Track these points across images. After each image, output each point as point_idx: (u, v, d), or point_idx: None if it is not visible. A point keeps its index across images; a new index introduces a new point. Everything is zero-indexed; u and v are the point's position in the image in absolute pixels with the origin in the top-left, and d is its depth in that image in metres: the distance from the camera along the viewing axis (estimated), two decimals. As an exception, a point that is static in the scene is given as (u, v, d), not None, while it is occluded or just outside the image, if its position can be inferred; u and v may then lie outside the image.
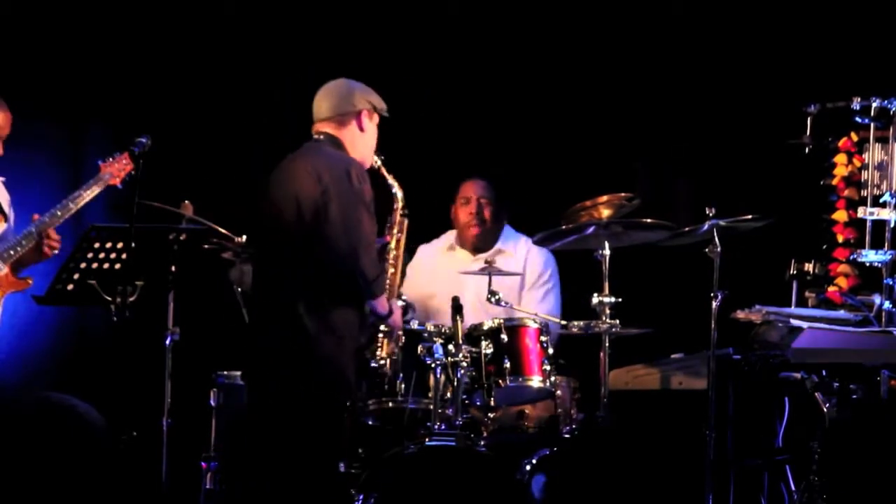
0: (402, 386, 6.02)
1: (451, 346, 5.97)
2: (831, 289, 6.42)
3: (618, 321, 6.22)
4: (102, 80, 7.24)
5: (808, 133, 6.50)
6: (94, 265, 5.90)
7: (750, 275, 6.62)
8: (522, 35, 7.45)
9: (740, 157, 7.17)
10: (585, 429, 6.23)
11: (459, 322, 6.04)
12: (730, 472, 6.29)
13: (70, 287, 5.93)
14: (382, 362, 5.92)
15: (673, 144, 7.34)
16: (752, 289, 6.33)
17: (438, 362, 5.92)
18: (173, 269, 6.08)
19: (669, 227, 6.25)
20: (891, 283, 6.26)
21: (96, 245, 5.89)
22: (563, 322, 6.47)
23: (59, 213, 5.97)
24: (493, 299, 6.29)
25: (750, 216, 6.18)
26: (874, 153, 6.47)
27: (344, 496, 5.68)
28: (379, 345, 5.91)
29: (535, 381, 6.15)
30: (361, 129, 5.60)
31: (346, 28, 7.44)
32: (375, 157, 5.73)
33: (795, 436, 6.31)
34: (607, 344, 6.21)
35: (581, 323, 6.35)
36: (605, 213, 6.32)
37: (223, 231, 6.17)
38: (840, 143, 6.53)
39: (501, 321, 6.19)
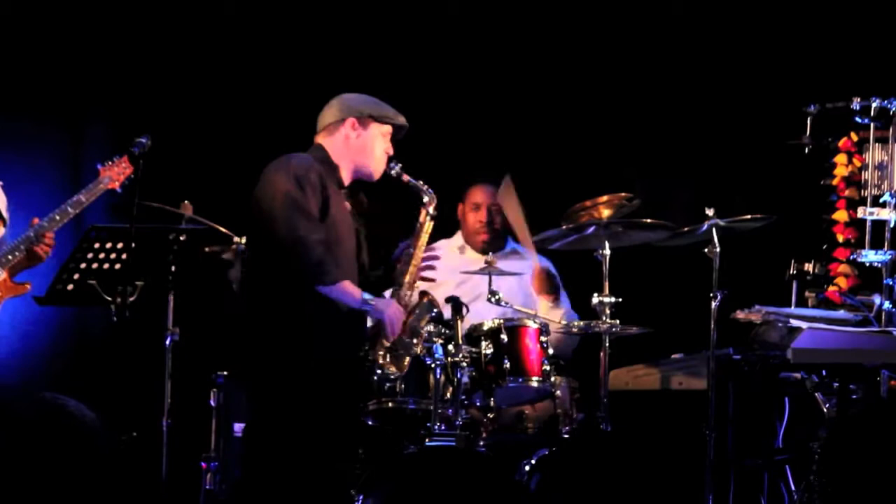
0: (402, 386, 6.02)
1: (451, 346, 5.97)
2: (831, 289, 6.42)
3: (618, 321, 6.22)
4: (102, 81, 7.24)
5: (808, 133, 6.50)
6: (94, 265, 5.90)
7: (750, 275, 6.62)
8: (523, 34, 7.45)
9: (740, 157, 7.17)
10: (585, 429, 6.23)
11: (459, 322, 6.04)
12: (730, 472, 6.29)
13: (70, 287, 5.93)
14: (383, 371, 5.85)
15: (673, 144, 7.34)
16: (752, 289, 6.33)
17: (438, 362, 5.92)
18: (173, 269, 6.07)
19: (669, 227, 6.25)
20: (891, 283, 6.26)
21: (96, 245, 5.89)
22: (564, 322, 6.48)
23: (57, 218, 5.96)
24: (493, 299, 6.29)
25: (750, 216, 6.18)
26: (874, 153, 6.47)
27: (344, 496, 5.67)
28: (379, 352, 5.86)
29: (535, 382, 6.15)
30: (349, 138, 5.66)
31: (347, 28, 7.44)
32: (393, 165, 5.75)
33: (795, 436, 6.31)
34: (607, 344, 6.22)
35: (581, 323, 6.36)
36: (605, 213, 6.33)
37: (223, 230, 6.18)
38: (840, 143, 6.53)
39: (501, 321, 6.19)
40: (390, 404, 6.03)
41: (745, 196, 6.68)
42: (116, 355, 6.08)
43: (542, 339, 6.20)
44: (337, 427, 5.51)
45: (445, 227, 6.93)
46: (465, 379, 5.97)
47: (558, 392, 6.22)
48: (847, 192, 6.53)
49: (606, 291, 6.22)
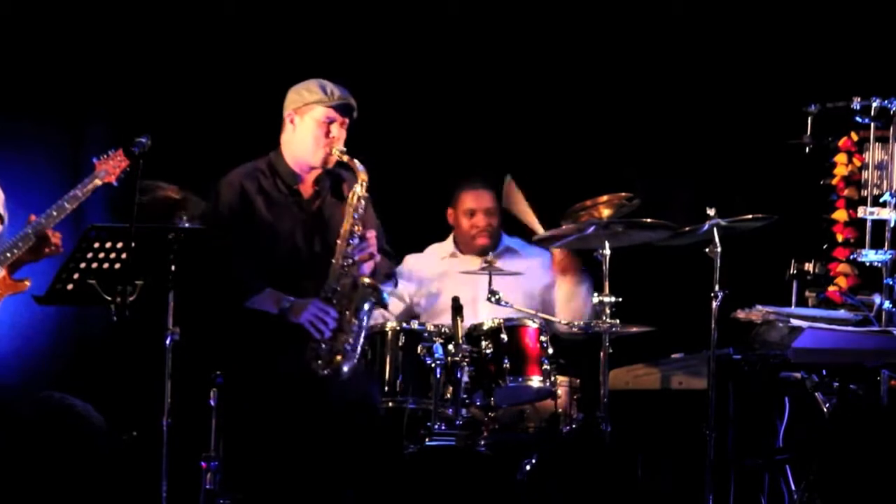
0: (402, 386, 6.02)
1: (451, 346, 5.97)
2: (831, 288, 6.42)
3: (618, 321, 6.22)
4: (102, 81, 7.23)
5: (808, 133, 6.50)
6: (94, 265, 5.88)
7: (750, 275, 6.62)
8: (522, 34, 7.45)
9: (740, 157, 7.16)
10: (585, 429, 6.23)
11: (459, 322, 6.04)
12: (730, 472, 6.29)
13: (70, 287, 5.91)
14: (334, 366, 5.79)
15: (673, 144, 7.34)
16: (752, 289, 6.32)
17: (438, 362, 5.92)
18: (173, 269, 6.07)
19: (669, 227, 6.25)
20: (891, 283, 6.27)
21: (96, 245, 5.87)
22: (564, 321, 6.48)
23: (55, 214, 5.96)
24: (493, 299, 6.29)
25: (750, 216, 6.18)
26: (874, 153, 6.47)
27: (343, 496, 5.67)
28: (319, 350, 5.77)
29: (535, 381, 6.15)
30: (289, 132, 5.92)
31: (346, 28, 7.43)
32: (336, 150, 5.83)
33: (795, 436, 6.31)
34: (607, 343, 6.22)
35: (581, 322, 6.36)
36: (606, 212, 6.32)
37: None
38: (840, 143, 6.53)
39: (501, 321, 6.19)
40: (390, 404, 6.04)
41: (746, 196, 6.67)
42: (116, 355, 6.08)
43: (542, 338, 6.20)
44: (302, 439, 5.53)
45: (429, 230, 6.95)
46: (466, 378, 5.97)
47: (559, 392, 6.22)
48: (847, 192, 6.53)
49: (607, 291, 6.22)
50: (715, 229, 6.11)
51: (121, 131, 6.31)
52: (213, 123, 7.35)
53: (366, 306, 5.78)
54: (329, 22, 7.43)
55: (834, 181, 6.55)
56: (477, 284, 6.53)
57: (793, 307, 6.35)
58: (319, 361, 5.69)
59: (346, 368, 5.70)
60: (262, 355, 5.62)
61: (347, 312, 5.75)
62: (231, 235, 5.58)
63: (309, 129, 5.86)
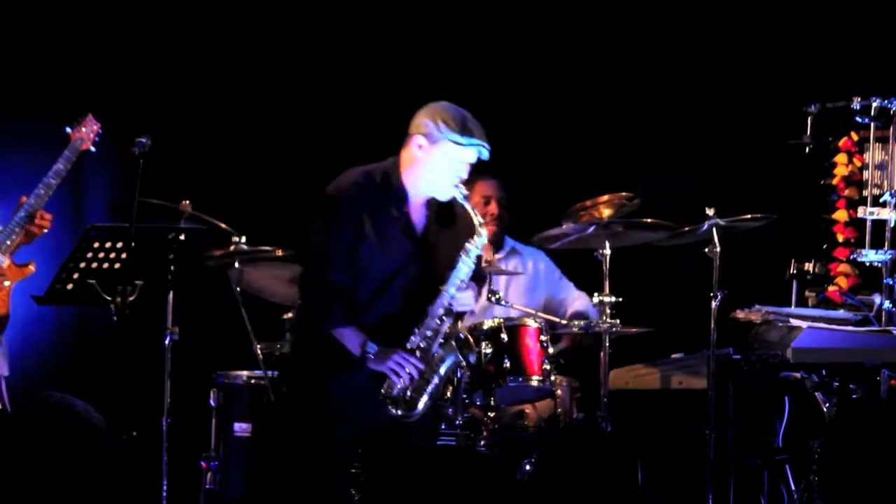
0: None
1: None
2: (831, 288, 6.42)
3: (618, 321, 6.22)
4: (102, 81, 7.24)
5: (808, 133, 6.50)
6: (94, 265, 5.90)
7: (750, 275, 6.62)
8: (523, 34, 7.45)
9: (740, 157, 7.16)
10: (585, 428, 6.23)
11: (460, 322, 6.03)
12: (730, 472, 6.29)
13: (70, 287, 5.93)
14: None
15: (673, 144, 7.34)
16: (752, 289, 6.32)
17: (439, 362, 5.91)
18: (173, 269, 6.07)
19: (669, 227, 6.25)
20: (891, 282, 6.26)
21: (96, 245, 5.89)
22: (564, 322, 6.48)
23: (42, 192, 5.98)
24: (493, 299, 6.29)
25: (750, 216, 6.18)
26: (874, 153, 6.47)
27: (344, 496, 5.67)
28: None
29: (535, 381, 6.14)
30: (415, 154, 5.35)
31: (346, 28, 7.44)
32: (461, 194, 5.34)
33: (795, 436, 6.31)
34: (607, 344, 6.22)
35: (581, 323, 6.36)
36: (606, 212, 6.33)
37: (223, 226, 6.18)
38: (840, 143, 6.53)
39: (501, 321, 6.19)
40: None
41: (746, 195, 6.67)
42: (116, 355, 6.07)
43: (542, 338, 6.20)
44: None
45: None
46: (466, 379, 5.96)
47: (558, 392, 6.22)
48: (847, 192, 6.53)
49: (607, 291, 6.22)
50: (714, 229, 6.11)
51: (121, 131, 6.31)
52: (213, 123, 7.36)
53: (449, 360, 5.41)
54: (329, 22, 7.43)
55: (834, 181, 6.55)
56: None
57: (793, 307, 6.35)
58: (391, 401, 5.38)
59: (416, 412, 5.38)
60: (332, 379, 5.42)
61: (431, 361, 5.39)
62: (346, 260, 5.26)
63: (443, 163, 5.34)
